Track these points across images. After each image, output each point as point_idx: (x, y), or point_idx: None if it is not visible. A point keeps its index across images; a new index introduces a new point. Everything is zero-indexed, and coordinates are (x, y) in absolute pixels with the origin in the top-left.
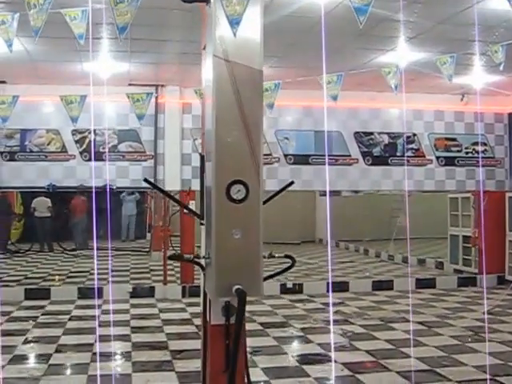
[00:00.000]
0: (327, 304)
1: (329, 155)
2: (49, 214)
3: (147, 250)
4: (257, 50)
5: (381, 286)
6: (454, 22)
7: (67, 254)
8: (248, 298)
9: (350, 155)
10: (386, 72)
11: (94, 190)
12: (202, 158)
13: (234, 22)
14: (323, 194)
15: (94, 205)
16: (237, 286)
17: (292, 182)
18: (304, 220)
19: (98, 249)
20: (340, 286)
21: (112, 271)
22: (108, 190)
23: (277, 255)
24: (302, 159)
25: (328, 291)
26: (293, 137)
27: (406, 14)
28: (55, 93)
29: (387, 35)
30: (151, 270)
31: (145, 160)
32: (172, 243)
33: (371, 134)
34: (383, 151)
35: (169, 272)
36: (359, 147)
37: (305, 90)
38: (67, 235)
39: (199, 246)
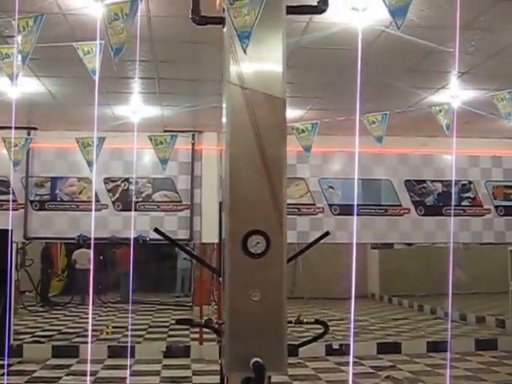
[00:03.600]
0: (377, 367)
1: (378, 205)
2: (90, 266)
3: (190, 304)
4: (278, 76)
5: (436, 346)
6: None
7: (108, 307)
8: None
9: (400, 205)
10: (436, 111)
11: (132, 242)
12: (220, 205)
13: (244, 37)
14: (374, 246)
15: (133, 256)
16: (255, 359)
17: (327, 233)
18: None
19: (139, 303)
20: (391, 347)
21: (149, 327)
22: (140, 241)
23: (305, 320)
24: (348, 209)
25: (379, 352)
26: (338, 185)
27: (460, 44)
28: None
29: (437, 70)
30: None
31: (181, 210)
32: (215, 297)
33: (423, 182)
34: (437, 200)
35: (207, 329)
36: (411, 196)
37: (350, 136)
38: (111, 288)
39: None
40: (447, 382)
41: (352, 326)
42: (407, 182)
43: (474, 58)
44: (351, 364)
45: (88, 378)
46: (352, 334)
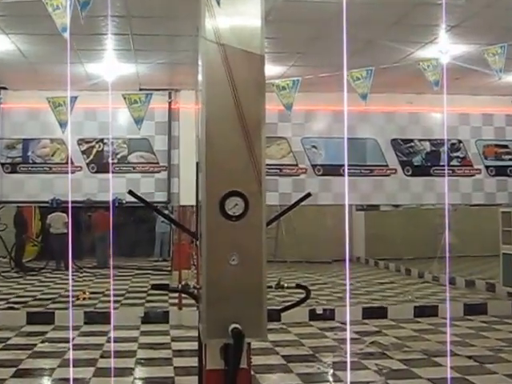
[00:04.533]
0: (362, 333)
1: (363, 165)
2: (65, 230)
3: (169, 269)
4: (256, 31)
5: (424, 312)
6: (504, 4)
7: (84, 272)
8: (269, 326)
9: (387, 165)
10: (424, 67)
11: (111, 205)
12: (197, 166)
13: None
14: (360, 208)
15: (112, 220)
16: (233, 326)
17: (309, 194)
18: (338, 237)
19: (116, 267)
20: (377, 312)
21: (127, 292)
22: (116, 204)
23: (286, 285)
24: (332, 170)
25: (364, 317)
26: (322, 145)
27: None
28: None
29: (425, 23)
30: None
31: (158, 172)
32: (195, 261)
33: (411, 141)
34: (425, 160)
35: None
36: (397, 156)
37: (334, 93)
38: (87, 252)
39: None
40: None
41: (347, 288)
42: (394, 141)
43: (465, 11)
44: (348, 331)
45: (70, 343)
46: (347, 297)
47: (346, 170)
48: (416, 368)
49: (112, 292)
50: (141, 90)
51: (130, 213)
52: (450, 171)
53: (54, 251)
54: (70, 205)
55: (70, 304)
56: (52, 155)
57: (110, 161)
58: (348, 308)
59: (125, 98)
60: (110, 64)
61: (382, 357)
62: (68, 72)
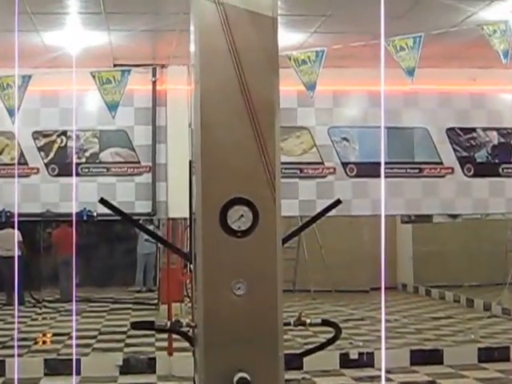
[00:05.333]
0: None
1: (410, 163)
2: (17, 253)
3: (155, 301)
4: None
5: (492, 354)
6: None
7: (44, 307)
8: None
9: (441, 163)
10: (490, 33)
11: (74, 218)
12: (190, 166)
13: None
14: (406, 220)
15: (76, 238)
16: (240, 375)
17: (338, 202)
18: (379, 258)
19: (86, 301)
20: (430, 356)
21: (100, 334)
22: (85, 217)
23: (309, 321)
24: (369, 169)
25: (413, 363)
26: (355, 137)
27: None
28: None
29: None
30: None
31: (139, 174)
32: (189, 291)
33: (473, 130)
34: (491, 156)
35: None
36: (455, 151)
37: (371, 69)
38: (47, 281)
39: None
40: None
41: (383, 326)
42: (450, 130)
43: None
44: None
45: None
46: (383, 337)
47: (383, 169)
48: None
49: (77, 333)
50: (115, 66)
51: (103, 229)
52: None
53: (3, 280)
54: (17, 219)
55: (26, 350)
56: (0, 153)
57: (76, 160)
58: (383, 351)
59: (94, 77)
60: (75, 32)
61: None
62: (16, 42)
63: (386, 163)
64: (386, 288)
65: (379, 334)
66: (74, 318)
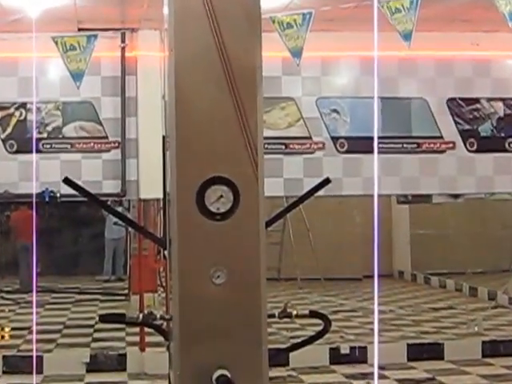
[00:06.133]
0: (407, 382)
1: (407, 137)
2: None
3: (126, 291)
4: None
5: (497, 348)
6: None
7: (2, 299)
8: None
9: (441, 137)
10: None
11: (34, 200)
12: (164, 141)
13: None
14: (403, 200)
15: (37, 222)
16: (219, 372)
17: (327, 181)
18: (372, 243)
19: (48, 291)
20: (430, 351)
21: (65, 327)
22: (47, 198)
23: (295, 312)
24: (362, 144)
25: (411, 359)
26: (346, 108)
27: None
28: None
29: None
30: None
31: (107, 150)
32: (163, 280)
33: (476, 101)
34: (496, 129)
35: (150, 330)
36: (456, 124)
37: (364, 32)
38: (5, 270)
39: None
40: None
41: (376, 318)
42: (451, 101)
43: None
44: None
45: None
46: (376, 330)
47: (376, 144)
48: None
49: (39, 327)
50: (80, 30)
51: (67, 211)
52: None
53: None
54: None
55: None
56: None
57: (36, 135)
58: (377, 345)
59: (57, 43)
60: None
61: None
62: None
63: (379, 137)
64: (380, 276)
65: (372, 327)
66: (34, 310)
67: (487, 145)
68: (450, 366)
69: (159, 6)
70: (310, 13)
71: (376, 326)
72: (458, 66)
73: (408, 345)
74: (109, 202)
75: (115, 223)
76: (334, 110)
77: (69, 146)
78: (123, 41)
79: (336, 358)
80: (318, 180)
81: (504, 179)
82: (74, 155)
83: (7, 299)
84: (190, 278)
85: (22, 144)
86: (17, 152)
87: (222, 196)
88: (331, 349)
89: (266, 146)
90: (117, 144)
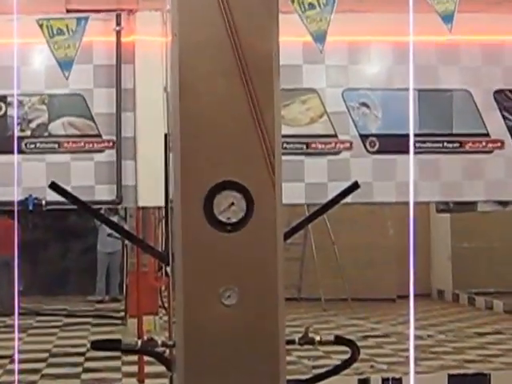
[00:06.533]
0: None
1: (448, 135)
2: None
3: (122, 314)
4: None
5: None
6: None
7: None
8: None
9: (487, 134)
10: None
11: (16, 208)
12: (166, 140)
13: None
14: (444, 208)
15: (19, 233)
16: None
17: (356, 185)
18: (407, 258)
19: (32, 313)
20: (474, 382)
21: (50, 356)
22: (30, 206)
23: (319, 338)
24: (395, 143)
25: None
26: (377, 102)
27: None
28: None
29: None
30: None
31: (100, 150)
32: (165, 301)
33: None
34: None
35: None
36: (505, 119)
37: (397, 14)
38: None
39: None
40: None
41: (411, 344)
42: (499, 93)
43: None
44: None
45: None
46: (411, 358)
47: (412, 143)
48: None
49: (22, 355)
50: (68, 11)
51: (54, 221)
52: None
53: None
54: None
55: None
56: None
57: (18, 133)
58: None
59: (42, 27)
60: None
61: None
62: None
63: (416, 135)
64: (416, 295)
65: (408, 355)
66: (16, 335)
67: None
68: None
69: None
70: None
71: (411, 354)
72: (507, 54)
73: (449, 376)
74: (102, 211)
75: (109, 235)
76: (364, 104)
77: (56, 146)
78: (119, 23)
79: None
80: (345, 185)
81: None
82: (62, 156)
83: None
84: (197, 299)
85: (1, 143)
86: None
87: (233, 203)
88: (360, 380)
89: (284, 145)
90: (111, 143)
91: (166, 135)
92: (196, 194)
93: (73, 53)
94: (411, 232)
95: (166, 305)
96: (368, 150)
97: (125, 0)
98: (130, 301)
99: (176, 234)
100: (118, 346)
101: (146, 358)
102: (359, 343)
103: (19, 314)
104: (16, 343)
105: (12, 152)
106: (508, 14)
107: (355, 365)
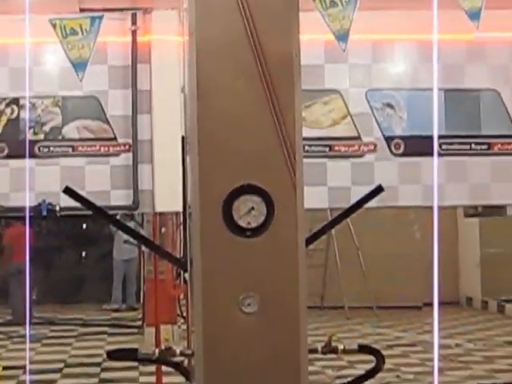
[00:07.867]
0: None
1: (476, 136)
2: None
3: (139, 323)
4: None
5: None
6: None
7: None
8: None
9: None
10: None
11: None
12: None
13: None
14: (472, 213)
15: (32, 239)
16: None
17: (380, 189)
18: (433, 264)
19: (46, 323)
20: None
21: (65, 366)
22: (44, 212)
23: (342, 347)
24: (421, 145)
25: None
26: (402, 102)
27: None
28: None
29: None
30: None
31: (116, 154)
32: (183, 310)
33: None
34: None
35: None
36: None
37: (422, 11)
38: None
39: None
40: None
41: (436, 353)
42: None
43: None
44: None
45: None
46: (436, 367)
47: (436, 144)
48: None
49: (35, 366)
50: (82, 10)
51: (68, 227)
52: None
53: None
54: None
55: None
56: None
57: (31, 137)
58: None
59: (55, 27)
60: None
61: None
62: None
63: (442, 137)
64: (443, 303)
65: (434, 364)
66: (27, 345)
67: None
68: None
69: None
70: None
71: (436, 364)
72: None
73: None
74: (118, 216)
75: (126, 241)
76: (388, 105)
77: (70, 150)
78: (134, 23)
79: None
80: (369, 188)
81: None
82: (77, 160)
83: None
84: (216, 307)
85: (14, 147)
86: (8, 157)
87: (253, 208)
88: None
89: (305, 148)
90: (127, 147)
91: (183, 138)
92: (215, 199)
93: (87, 53)
94: (435, 237)
95: (184, 313)
96: (393, 153)
97: None
98: (147, 309)
99: (194, 239)
100: (134, 355)
101: (164, 368)
102: (384, 352)
103: (32, 323)
104: (27, 353)
105: (25, 156)
106: None
107: (380, 375)
